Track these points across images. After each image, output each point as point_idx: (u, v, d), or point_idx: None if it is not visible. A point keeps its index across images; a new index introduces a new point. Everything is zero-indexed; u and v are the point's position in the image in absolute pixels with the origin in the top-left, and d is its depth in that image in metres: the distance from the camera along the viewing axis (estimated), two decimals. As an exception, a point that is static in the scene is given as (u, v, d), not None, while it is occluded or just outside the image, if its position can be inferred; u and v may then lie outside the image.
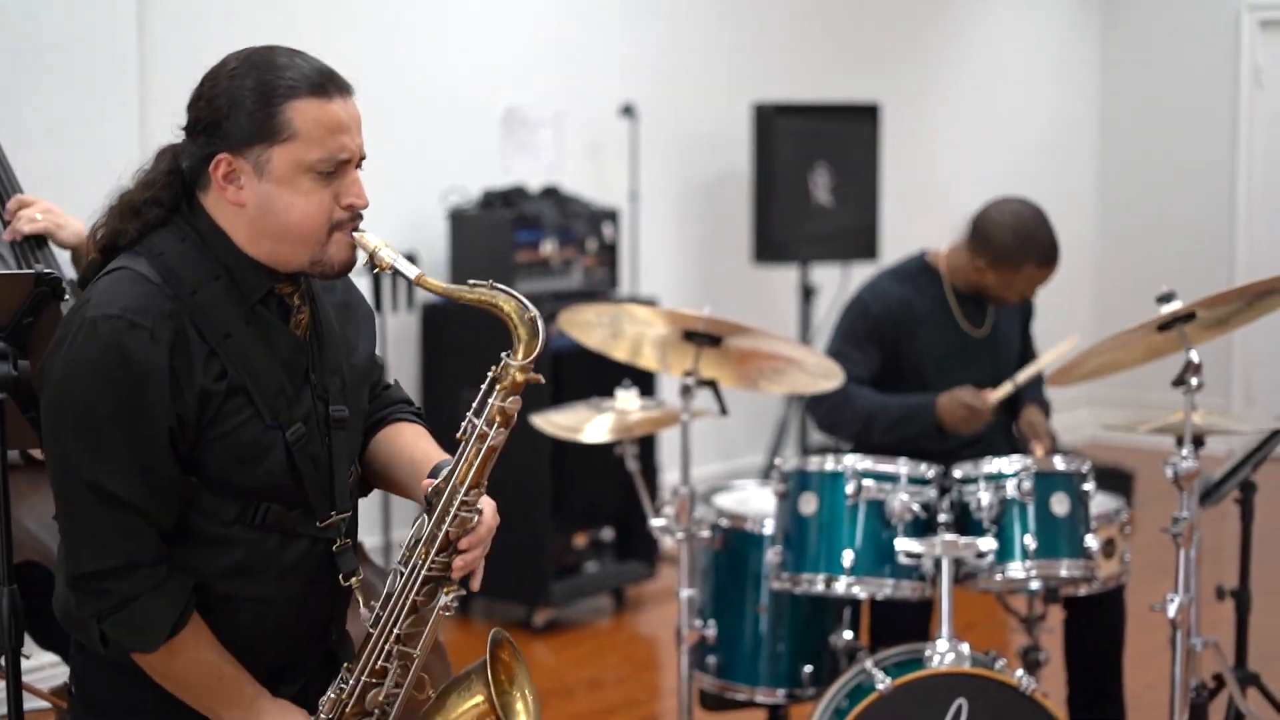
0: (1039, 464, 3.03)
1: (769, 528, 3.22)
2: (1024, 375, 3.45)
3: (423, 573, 1.86)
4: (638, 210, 5.52)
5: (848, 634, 3.21)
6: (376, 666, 1.88)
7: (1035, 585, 3.05)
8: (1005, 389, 3.42)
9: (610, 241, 5.03)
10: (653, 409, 3.31)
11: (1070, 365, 3.17)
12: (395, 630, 1.87)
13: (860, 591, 3.00)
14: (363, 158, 1.89)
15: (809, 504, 3.04)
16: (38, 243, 2.82)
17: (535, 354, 1.82)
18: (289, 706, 1.91)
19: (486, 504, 1.89)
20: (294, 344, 1.92)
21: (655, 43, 5.81)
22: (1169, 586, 2.94)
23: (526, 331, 1.82)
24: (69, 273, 2.87)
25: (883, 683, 2.82)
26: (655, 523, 3.14)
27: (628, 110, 5.46)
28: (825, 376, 3.18)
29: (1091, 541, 3.02)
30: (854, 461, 3.02)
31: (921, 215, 6.68)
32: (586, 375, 4.77)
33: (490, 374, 1.84)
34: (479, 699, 1.90)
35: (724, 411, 3.15)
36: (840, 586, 3.00)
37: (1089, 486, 3.06)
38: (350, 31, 4.77)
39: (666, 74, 5.82)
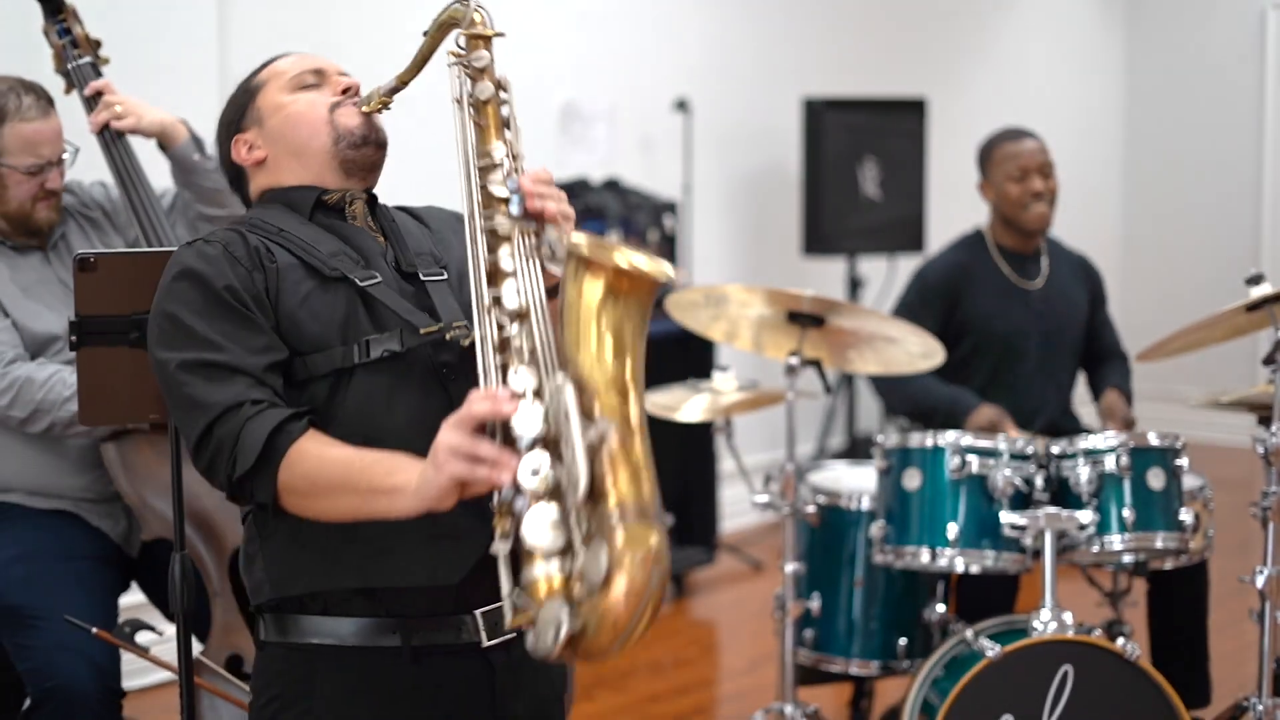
0: (1135, 440, 3.13)
1: (864, 504, 3.31)
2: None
3: (480, 230, 1.78)
4: (691, 203, 5.61)
5: (940, 607, 3.30)
6: (496, 341, 1.72)
7: (1129, 558, 3.14)
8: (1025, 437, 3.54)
9: (670, 233, 5.13)
10: (750, 390, 3.40)
11: (1159, 343, 3.28)
12: (487, 295, 1.74)
13: (963, 564, 3.09)
14: (345, 75, 2.05)
15: (913, 479, 3.13)
16: (117, 133, 2.93)
17: (478, 20, 1.85)
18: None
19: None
20: (357, 231, 1.97)
21: (708, 39, 5.90)
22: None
23: (462, 15, 1.87)
24: (154, 168, 2.97)
25: (992, 650, 2.91)
26: (758, 499, 3.23)
27: (681, 105, 5.56)
28: (926, 355, 3.27)
29: (1186, 515, 3.12)
30: (956, 438, 3.12)
31: (965, 208, 6.76)
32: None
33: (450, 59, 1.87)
34: (598, 279, 1.65)
35: (828, 390, 3.24)
36: (944, 559, 3.09)
37: (1183, 462, 3.15)
38: (407, 27, 4.84)
39: (719, 70, 5.91)
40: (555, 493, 1.59)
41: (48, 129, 2.78)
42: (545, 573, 1.57)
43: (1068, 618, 2.97)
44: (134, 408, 2.41)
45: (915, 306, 3.74)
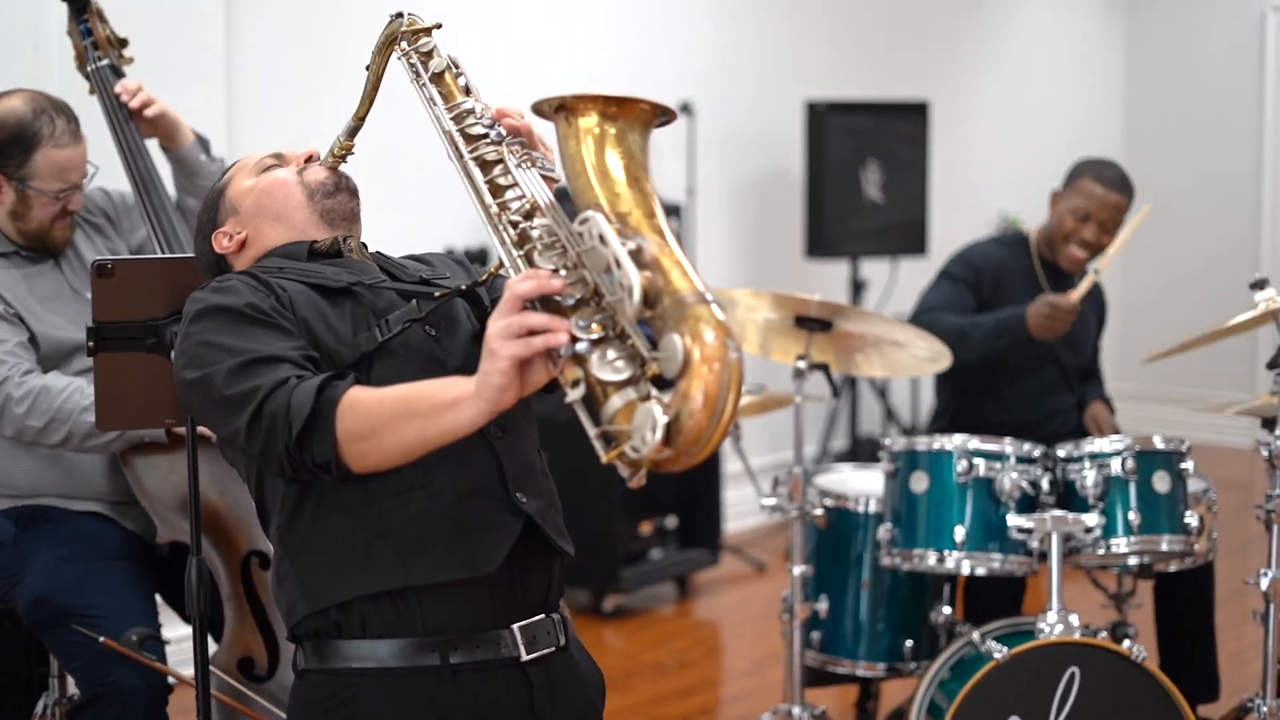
0: (1141, 443, 3.15)
1: (871, 507, 3.34)
2: (1103, 262, 3.64)
3: (471, 162, 1.83)
4: (694, 206, 5.64)
5: (946, 609, 3.32)
6: (514, 237, 1.74)
7: (1135, 560, 3.17)
8: (1086, 284, 3.63)
9: (675, 235, 5.14)
10: (757, 394, 3.42)
11: (1166, 350, 3.31)
12: (494, 206, 1.78)
13: (970, 566, 3.11)
14: (309, 157, 2.10)
15: (920, 482, 3.15)
16: (136, 136, 2.96)
17: (413, 21, 1.94)
18: None
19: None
20: (354, 261, 2.02)
21: (711, 43, 5.93)
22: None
23: (397, 26, 1.95)
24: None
25: (999, 652, 2.93)
26: (766, 502, 3.25)
27: (685, 108, 5.58)
28: (933, 359, 3.30)
29: (1191, 518, 3.14)
30: (963, 441, 3.14)
31: (964, 211, 6.82)
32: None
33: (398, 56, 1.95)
34: (590, 115, 1.70)
35: (836, 394, 3.27)
36: (951, 562, 3.12)
37: (1188, 465, 3.18)
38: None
39: (722, 73, 5.93)
40: (612, 326, 1.59)
41: (78, 155, 2.81)
42: (625, 399, 1.56)
43: (1074, 620, 2.99)
44: (151, 413, 2.43)
45: (958, 278, 3.77)
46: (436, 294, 1.92)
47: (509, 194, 1.78)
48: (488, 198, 1.79)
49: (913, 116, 6.14)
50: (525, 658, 1.88)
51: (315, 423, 1.73)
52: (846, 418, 6.16)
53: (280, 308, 1.88)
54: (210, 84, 4.32)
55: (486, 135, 1.84)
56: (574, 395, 1.59)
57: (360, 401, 1.74)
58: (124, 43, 3.09)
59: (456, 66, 1.93)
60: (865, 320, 3.27)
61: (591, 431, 1.58)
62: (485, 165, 1.82)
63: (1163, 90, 8.02)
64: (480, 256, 4.96)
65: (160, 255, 2.79)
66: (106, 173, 2.99)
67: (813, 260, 5.96)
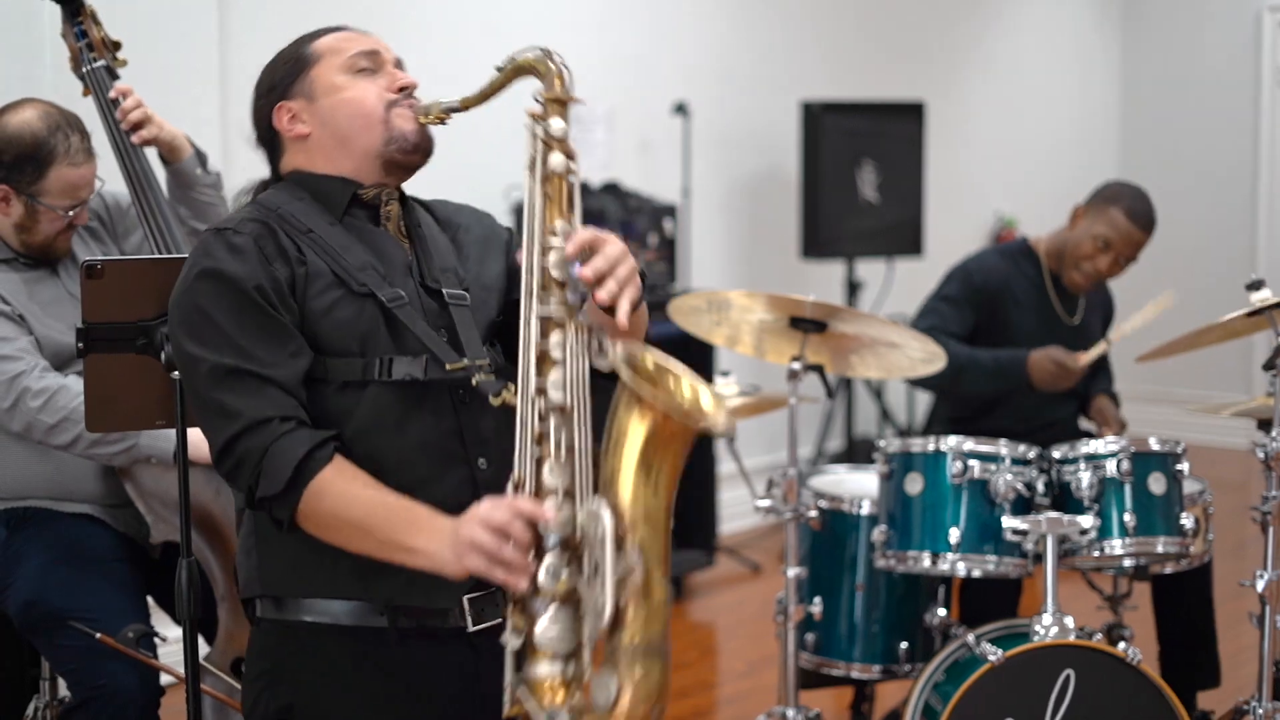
0: (1136, 445, 3.14)
1: (866, 509, 3.32)
2: (1117, 333, 3.63)
3: (535, 314, 1.77)
4: (690, 206, 5.62)
5: (941, 611, 3.31)
6: (535, 431, 1.74)
7: (1130, 562, 3.16)
8: (1097, 350, 3.63)
9: (670, 236, 5.14)
10: (752, 395, 3.41)
11: (1160, 348, 3.31)
12: (534, 382, 1.75)
13: (965, 569, 3.10)
14: (399, 62, 2.03)
15: (914, 484, 3.14)
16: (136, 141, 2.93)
17: (560, 80, 1.82)
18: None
19: (608, 239, 1.78)
20: (386, 238, 1.99)
21: (707, 43, 5.92)
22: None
23: (545, 68, 1.84)
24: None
25: (994, 655, 2.92)
26: (760, 503, 3.24)
27: (680, 109, 5.57)
28: (927, 360, 3.29)
29: (1186, 520, 3.13)
30: (958, 443, 3.13)
31: (960, 212, 6.81)
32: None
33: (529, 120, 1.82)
34: (646, 417, 1.67)
35: (830, 395, 3.26)
36: (945, 564, 3.10)
37: (1183, 466, 3.17)
38: (412, 32, 4.86)
39: (718, 73, 5.93)
40: (571, 597, 1.67)
41: (90, 172, 2.80)
42: (550, 674, 1.67)
43: (1069, 622, 2.98)
44: (141, 415, 2.42)
45: (958, 299, 3.74)
46: (448, 365, 1.89)
47: (551, 377, 1.75)
48: (532, 369, 1.76)
49: (909, 117, 6.13)
50: (471, 628, 1.93)
51: (285, 493, 1.81)
52: (843, 419, 6.15)
53: (288, 294, 1.87)
54: (204, 84, 4.31)
55: (564, 285, 1.76)
56: (512, 642, 1.69)
57: (328, 493, 1.81)
58: (118, 45, 3.08)
59: (573, 161, 1.81)
60: (859, 321, 3.26)
61: (508, 676, 1.69)
62: (546, 325, 1.76)
63: (1159, 90, 8.01)
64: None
65: (152, 256, 2.78)
66: (105, 176, 2.98)
67: (808, 261, 5.95)
